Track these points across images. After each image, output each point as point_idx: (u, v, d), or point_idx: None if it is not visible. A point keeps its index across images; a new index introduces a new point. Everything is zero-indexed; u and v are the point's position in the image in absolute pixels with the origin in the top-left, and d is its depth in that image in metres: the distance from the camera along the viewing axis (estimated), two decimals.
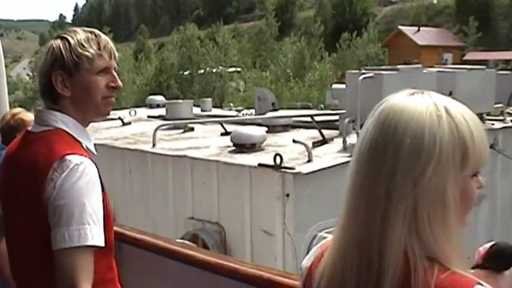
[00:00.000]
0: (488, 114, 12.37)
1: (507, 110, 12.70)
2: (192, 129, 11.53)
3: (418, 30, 68.32)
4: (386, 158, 1.61)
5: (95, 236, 2.41)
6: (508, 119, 12.40)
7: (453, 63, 41.10)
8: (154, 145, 9.68)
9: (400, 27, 69.57)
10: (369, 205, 1.63)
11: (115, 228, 2.76)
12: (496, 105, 11.91)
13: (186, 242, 7.24)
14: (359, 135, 1.71)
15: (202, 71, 53.47)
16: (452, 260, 1.61)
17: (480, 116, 11.12)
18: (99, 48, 2.61)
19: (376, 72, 8.85)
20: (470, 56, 62.17)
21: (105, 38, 2.67)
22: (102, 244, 2.44)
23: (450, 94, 10.03)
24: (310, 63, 53.67)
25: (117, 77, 2.68)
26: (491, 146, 10.97)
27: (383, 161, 1.61)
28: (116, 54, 2.69)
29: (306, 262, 1.89)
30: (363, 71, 8.90)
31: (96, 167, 2.51)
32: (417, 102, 1.66)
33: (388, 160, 1.61)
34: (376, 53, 55.83)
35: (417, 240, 1.60)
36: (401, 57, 49.50)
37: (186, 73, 55.34)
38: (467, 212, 1.69)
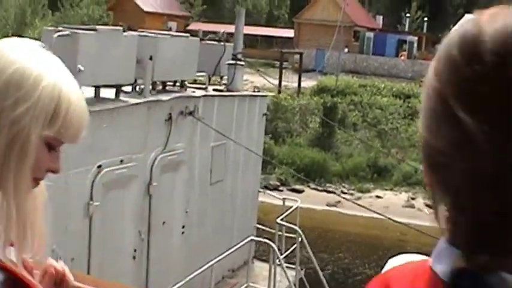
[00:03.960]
0: (194, 81, 12.63)
1: (213, 79, 13.08)
2: None
3: None
4: None
5: None
6: (210, 87, 12.74)
7: (177, 32, 41.77)
8: None
9: None
10: None
11: None
12: (199, 74, 12.17)
13: None
14: None
15: None
16: None
17: (182, 83, 11.33)
18: None
19: (73, 30, 8.62)
20: (193, 26, 63.50)
21: None
22: None
23: (151, 59, 10.07)
24: (32, 20, 52.30)
25: None
26: (191, 113, 11.22)
27: None
28: None
29: None
30: (60, 29, 8.63)
31: None
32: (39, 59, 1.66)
33: None
34: (100, 15, 55.33)
35: None
36: (126, 21, 49.30)
37: None
38: (22, 172, 1.62)
